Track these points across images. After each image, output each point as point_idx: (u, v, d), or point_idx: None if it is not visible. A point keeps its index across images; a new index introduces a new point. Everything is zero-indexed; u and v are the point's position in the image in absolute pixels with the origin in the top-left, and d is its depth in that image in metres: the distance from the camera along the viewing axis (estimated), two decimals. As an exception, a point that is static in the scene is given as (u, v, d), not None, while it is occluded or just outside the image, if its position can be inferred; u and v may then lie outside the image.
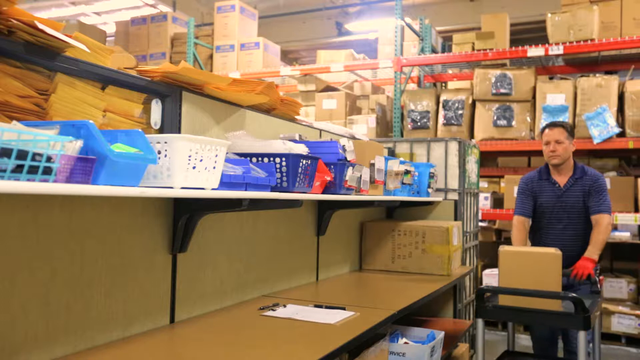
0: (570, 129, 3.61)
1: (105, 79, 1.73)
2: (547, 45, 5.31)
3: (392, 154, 4.13)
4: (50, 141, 1.16)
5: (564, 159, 3.54)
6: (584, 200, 3.50)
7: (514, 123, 5.43)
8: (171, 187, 1.52)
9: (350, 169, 2.44)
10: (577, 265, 3.37)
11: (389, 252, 3.55)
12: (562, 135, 3.53)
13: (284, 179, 2.04)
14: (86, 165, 1.26)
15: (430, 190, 3.69)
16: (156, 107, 1.95)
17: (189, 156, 1.54)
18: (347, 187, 2.44)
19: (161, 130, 1.96)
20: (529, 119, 5.42)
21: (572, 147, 3.58)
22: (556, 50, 5.26)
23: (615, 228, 6.71)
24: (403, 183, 3.22)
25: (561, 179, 3.59)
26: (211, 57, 7.22)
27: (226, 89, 2.18)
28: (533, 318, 2.92)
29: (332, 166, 2.38)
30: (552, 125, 3.61)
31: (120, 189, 1.34)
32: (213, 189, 1.66)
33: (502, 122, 5.46)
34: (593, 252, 3.39)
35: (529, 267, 2.87)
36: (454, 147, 4.01)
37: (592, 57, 5.64)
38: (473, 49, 6.19)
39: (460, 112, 5.69)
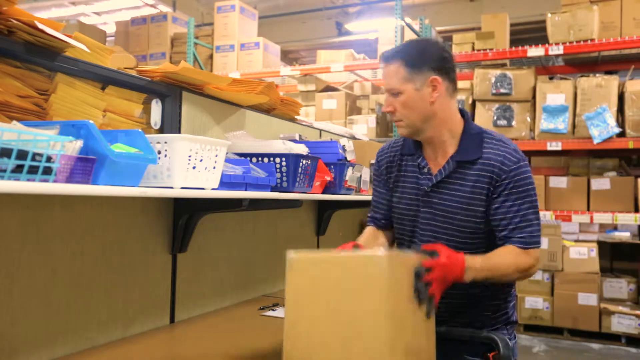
0: (423, 57, 1.67)
1: (105, 79, 1.73)
2: (547, 45, 5.31)
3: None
4: (50, 141, 1.16)
5: (416, 125, 1.71)
6: (477, 203, 1.68)
7: (514, 123, 5.43)
8: (171, 187, 1.52)
9: (350, 169, 2.44)
10: (439, 261, 1.45)
11: (388, 252, 3.52)
12: (398, 76, 1.67)
13: (284, 179, 2.04)
14: (86, 165, 1.26)
15: (430, 190, 3.68)
16: (156, 107, 1.95)
17: (189, 156, 1.54)
18: (347, 187, 2.44)
19: (161, 130, 1.96)
20: (529, 119, 5.42)
21: (435, 97, 1.67)
22: (556, 50, 5.25)
23: (615, 228, 6.71)
24: (403, 183, 3.22)
25: (433, 160, 1.78)
26: (211, 57, 7.21)
27: (226, 89, 2.18)
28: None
29: (332, 166, 2.38)
30: (383, 58, 1.73)
31: (120, 189, 1.34)
32: (213, 189, 1.66)
33: (502, 122, 5.46)
34: (477, 261, 1.56)
35: (337, 289, 1.31)
36: (454, 147, 3.99)
37: (592, 57, 5.64)
38: (473, 49, 6.19)
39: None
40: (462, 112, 1.79)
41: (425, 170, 1.76)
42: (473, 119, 5.62)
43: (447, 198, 1.71)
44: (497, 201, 1.66)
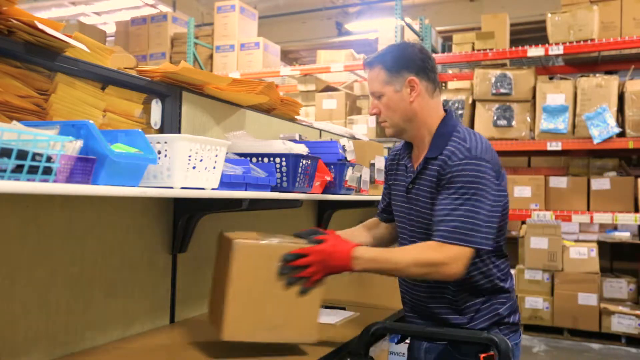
0: (401, 61, 1.75)
1: (105, 79, 1.73)
2: (547, 45, 5.31)
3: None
4: (50, 141, 1.16)
5: (398, 125, 1.79)
6: (434, 202, 1.70)
7: (514, 123, 5.43)
8: (171, 187, 1.52)
9: (350, 169, 2.44)
10: (315, 248, 1.62)
11: (388, 252, 3.52)
12: (379, 79, 1.77)
13: (284, 179, 2.04)
14: (86, 165, 1.26)
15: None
16: (156, 107, 1.95)
17: (189, 156, 1.54)
18: (347, 187, 2.44)
19: (161, 130, 1.96)
20: (529, 119, 5.42)
21: (414, 97, 1.74)
22: (556, 50, 5.25)
23: (615, 228, 6.71)
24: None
25: (416, 159, 1.85)
26: (211, 57, 7.21)
27: (226, 89, 2.18)
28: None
29: (332, 166, 2.38)
30: (365, 64, 1.83)
31: (120, 189, 1.34)
32: (213, 189, 1.66)
33: (502, 122, 5.46)
34: (370, 253, 1.67)
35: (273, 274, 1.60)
36: (454, 147, 3.99)
37: (592, 57, 5.64)
38: (473, 49, 6.19)
39: (460, 112, 5.69)
40: (448, 113, 1.82)
41: (409, 168, 1.84)
42: (473, 119, 5.64)
43: (418, 195, 1.77)
44: (438, 197, 1.68)
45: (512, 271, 5.51)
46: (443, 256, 1.59)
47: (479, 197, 1.61)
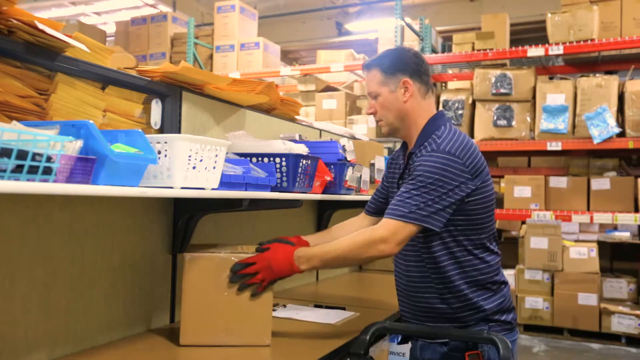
0: (396, 63, 1.87)
1: (105, 79, 1.73)
2: (547, 45, 5.31)
3: (392, 153, 4.13)
4: (50, 141, 1.16)
5: (393, 123, 1.90)
6: None
7: (514, 123, 5.43)
8: (171, 187, 1.52)
9: (350, 169, 2.44)
10: (260, 256, 1.74)
11: (389, 252, 3.51)
12: (376, 80, 1.89)
13: (284, 179, 2.04)
14: (86, 165, 1.26)
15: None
16: (156, 107, 1.95)
17: (189, 156, 1.54)
18: (347, 187, 2.44)
19: (161, 130, 1.96)
20: (529, 119, 5.42)
21: (407, 97, 1.86)
22: (556, 50, 5.25)
23: (615, 228, 6.72)
24: (403, 183, 3.22)
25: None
26: (211, 57, 7.21)
27: (226, 89, 2.18)
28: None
29: (332, 166, 2.38)
30: (364, 66, 1.96)
31: (120, 189, 1.34)
32: (213, 189, 1.66)
33: (502, 122, 5.46)
34: (312, 251, 1.75)
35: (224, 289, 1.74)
36: (454, 147, 3.99)
37: (592, 57, 5.64)
38: (473, 49, 6.19)
39: (460, 112, 5.69)
40: (438, 113, 1.91)
41: (400, 165, 1.98)
42: (473, 119, 5.64)
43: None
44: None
45: (512, 271, 5.53)
46: (379, 233, 1.68)
47: (436, 186, 1.67)
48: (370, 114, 1.96)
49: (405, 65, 1.87)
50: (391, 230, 1.67)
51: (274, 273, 1.73)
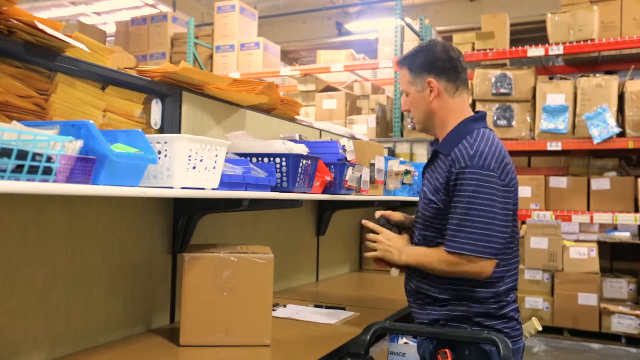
0: (421, 62, 1.87)
1: (105, 79, 1.73)
2: (547, 45, 5.30)
3: (392, 154, 4.13)
4: (50, 141, 1.16)
5: (423, 122, 1.92)
6: (437, 196, 1.79)
7: (514, 123, 5.43)
8: (171, 187, 1.52)
9: (350, 169, 2.44)
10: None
11: (389, 252, 3.51)
12: (405, 79, 1.92)
13: (284, 179, 2.04)
14: (86, 165, 1.26)
15: (430, 190, 3.67)
16: (156, 107, 1.95)
17: (189, 156, 1.54)
18: (347, 187, 2.44)
19: (161, 130, 1.96)
20: (529, 119, 5.42)
21: (433, 97, 1.85)
22: (556, 50, 5.25)
23: (615, 228, 6.71)
24: (403, 183, 3.22)
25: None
26: (211, 57, 7.21)
27: (226, 89, 2.18)
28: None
29: (332, 166, 2.38)
30: (397, 63, 2.04)
31: (120, 189, 1.34)
32: (213, 189, 1.66)
33: (502, 122, 5.46)
34: (405, 257, 1.86)
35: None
36: (454, 147, 3.99)
37: (592, 57, 5.64)
38: (473, 49, 6.19)
39: (481, 111, 5.69)
40: (476, 115, 1.88)
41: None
42: (473, 119, 5.62)
43: (425, 185, 1.88)
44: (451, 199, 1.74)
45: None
46: (457, 265, 1.72)
47: (476, 205, 1.69)
48: (404, 110, 1.97)
49: (431, 63, 1.85)
50: (464, 264, 1.72)
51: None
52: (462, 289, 1.75)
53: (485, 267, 1.69)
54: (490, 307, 1.74)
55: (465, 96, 1.89)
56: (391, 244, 1.88)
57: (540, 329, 1.93)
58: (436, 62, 1.84)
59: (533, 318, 1.98)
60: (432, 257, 1.77)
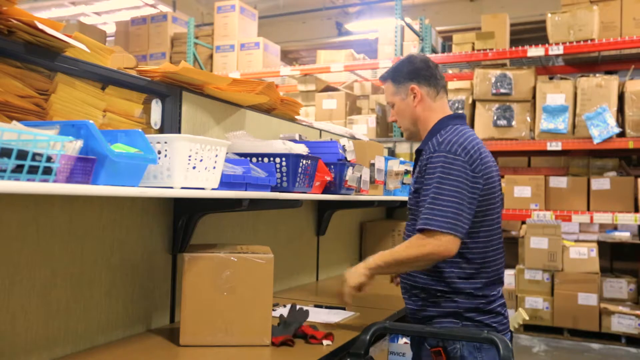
0: (403, 73, 2.00)
1: (105, 79, 1.73)
2: (547, 45, 5.31)
3: (392, 154, 4.13)
4: (50, 141, 1.16)
5: (409, 128, 2.03)
6: (417, 187, 1.89)
7: (514, 123, 5.43)
8: (171, 187, 1.52)
9: (350, 169, 2.44)
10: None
11: (388, 252, 3.51)
12: (389, 91, 2.04)
13: (284, 179, 2.04)
14: (86, 165, 1.26)
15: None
16: (156, 107, 1.95)
17: (189, 156, 1.54)
18: (347, 187, 2.44)
19: (161, 130, 1.96)
20: (529, 119, 5.42)
21: (417, 102, 1.96)
22: (556, 50, 5.25)
23: (615, 228, 6.71)
24: (403, 183, 3.22)
25: None
26: (211, 57, 7.21)
27: (226, 89, 2.18)
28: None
29: (332, 166, 2.38)
30: (380, 79, 2.12)
31: (120, 189, 1.34)
32: (213, 189, 1.66)
33: (502, 122, 5.46)
34: (371, 261, 1.89)
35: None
36: (454, 147, 3.99)
37: (592, 57, 5.64)
38: (473, 49, 6.19)
39: (460, 112, 5.70)
40: (453, 114, 1.99)
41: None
42: (473, 119, 5.64)
43: (411, 185, 1.98)
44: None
45: (512, 271, 5.53)
46: (438, 248, 1.75)
47: (443, 183, 1.76)
48: (392, 121, 2.09)
49: (412, 72, 1.99)
50: (434, 243, 1.77)
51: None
52: (451, 280, 1.82)
53: (449, 243, 1.71)
54: (479, 302, 1.82)
55: (445, 100, 2.03)
56: (347, 275, 1.92)
57: (527, 318, 1.97)
58: (417, 71, 1.98)
59: (520, 309, 2.05)
60: (399, 247, 1.83)
